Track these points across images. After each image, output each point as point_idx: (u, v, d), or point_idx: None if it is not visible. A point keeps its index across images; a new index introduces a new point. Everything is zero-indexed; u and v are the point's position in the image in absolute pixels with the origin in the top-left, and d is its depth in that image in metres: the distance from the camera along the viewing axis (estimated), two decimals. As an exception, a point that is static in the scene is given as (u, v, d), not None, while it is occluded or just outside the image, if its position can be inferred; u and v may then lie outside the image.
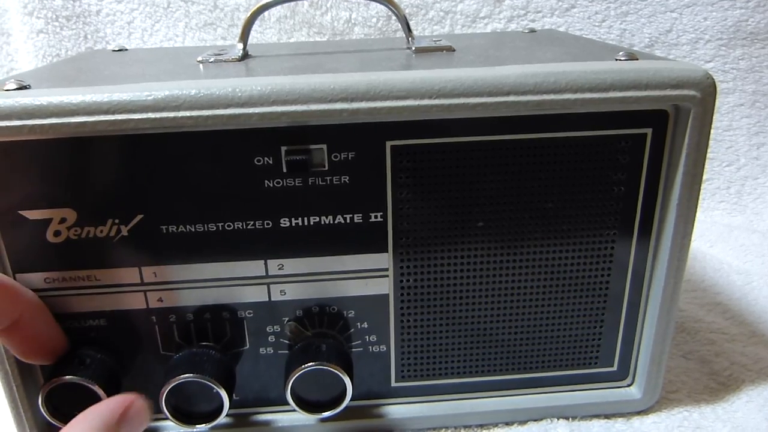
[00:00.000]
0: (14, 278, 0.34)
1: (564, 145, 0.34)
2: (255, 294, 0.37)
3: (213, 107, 0.31)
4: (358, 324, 0.38)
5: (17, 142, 0.32)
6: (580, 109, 0.33)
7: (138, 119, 0.31)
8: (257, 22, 0.70)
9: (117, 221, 0.34)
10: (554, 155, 0.35)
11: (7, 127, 0.30)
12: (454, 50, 0.43)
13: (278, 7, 0.72)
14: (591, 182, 0.35)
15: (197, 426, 0.36)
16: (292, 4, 0.72)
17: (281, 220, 0.35)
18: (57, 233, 0.34)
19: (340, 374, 0.35)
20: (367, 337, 0.38)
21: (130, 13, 0.72)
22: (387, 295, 0.37)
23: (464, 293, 0.38)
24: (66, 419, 0.34)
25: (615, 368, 0.41)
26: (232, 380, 0.37)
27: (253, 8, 0.42)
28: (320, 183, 0.34)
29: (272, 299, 0.37)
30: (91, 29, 0.73)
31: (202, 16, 0.73)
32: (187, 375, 0.34)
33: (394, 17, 0.72)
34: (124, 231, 0.34)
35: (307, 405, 0.36)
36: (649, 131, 0.35)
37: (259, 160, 0.33)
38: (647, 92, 0.33)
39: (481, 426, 0.41)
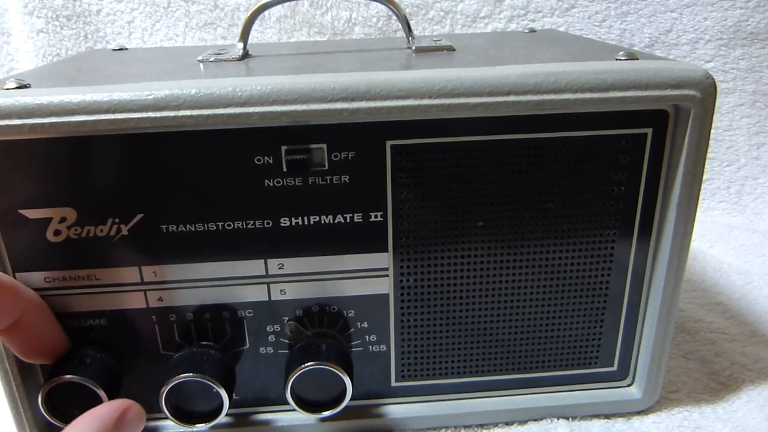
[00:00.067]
0: (14, 277, 0.34)
1: (564, 145, 0.34)
2: (255, 293, 0.37)
3: (213, 107, 0.31)
4: (358, 324, 0.38)
5: (17, 141, 0.32)
6: (580, 109, 0.33)
7: (138, 118, 0.31)
8: (257, 22, 0.70)
9: (117, 220, 0.34)
10: (554, 155, 0.35)
11: (7, 126, 0.30)
12: (454, 50, 0.43)
13: (278, 7, 0.72)
14: (591, 182, 0.35)
15: (197, 425, 0.36)
16: (293, 3, 0.72)
17: (281, 220, 0.35)
18: (57, 232, 0.34)
19: (339, 374, 0.35)
20: (367, 336, 0.38)
21: (130, 12, 0.72)
22: (387, 295, 0.37)
23: (464, 293, 0.38)
24: (66, 419, 0.34)
25: (615, 368, 0.41)
26: (232, 380, 0.37)
27: (253, 8, 0.42)
28: (320, 182, 0.34)
29: (272, 299, 0.37)
30: (92, 29, 0.73)
31: (202, 16, 0.73)
32: (187, 374, 0.34)
33: (394, 17, 0.72)
34: (125, 230, 0.34)
35: (307, 405, 0.36)
36: (649, 131, 0.35)
37: (259, 160, 0.33)
38: (647, 92, 0.33)
39: (481, 426, 0.41)
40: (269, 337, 0.38)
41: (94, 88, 0.31)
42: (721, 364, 0.46)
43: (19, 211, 0.33)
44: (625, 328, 0.40)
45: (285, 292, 0.37)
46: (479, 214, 0.36)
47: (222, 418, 0.36)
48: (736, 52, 0.73)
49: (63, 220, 0.34)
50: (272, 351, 0.38)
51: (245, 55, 0.43)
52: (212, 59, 0.42)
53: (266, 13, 0.72)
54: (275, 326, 0.38)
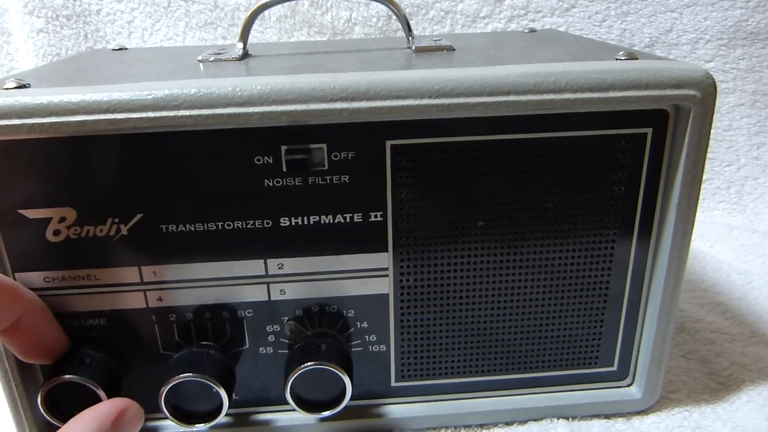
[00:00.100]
0: (14, 277, 0.34)
1: (564, 144, 0.34)
2: (255, 293, 0.37)
3: (213, 106, 0.31)
4: (358, 323, 0.38)
5: (17, 141, 0.32)
6: (580, 109, 0.33)
7: (138, 118, 0.31)
8: (257, 22, 0.70)
9: (117, 220, 0.34)
10: (554, 155, 0.35)
11: (6, 126, 0.30)
12: (454, 50, 0.43)
13: (278, 7, 0.72)
14: (591, 182, 0.35)
15: (197, 425, 0.36)
16: (293, 3, 0.72)
17: (281, 220, 0.35)
18: (57, 232, 0.34)
19: (339, 374, 0.35)
20: (366, 336, 0.38)
21: (130, 12, 0.72)
22: (387, 295, 0.37)
23: (464, 293, 0.38)
24: (65, 419, 0.34)
25: (615, 368, 0.41)
26: (232, 380, 0.37)
27: (253, 8, 0.42)
28: (320, 182, 0.34)
29: (272, 299, 0.37)
30: (92, 28, 0.73)
31: (202, 16, 0.73)
32: (186, 374, 0.34)
33: (394, 17, 0.72)
34: (124, 230, 0.34)
35: (306, 404, 0.36)
36: (649, 131, 0.35)
37: (259, 160, 0.33)
38: (647, 92, 0.33)
39: (481, 426, 0.41)
40: (269, 337, 0.38)
41: (93, 88, 0.31)
42: (721, 364, 0.46)
43: (19, 211, 0.33)
44: (625, 328, 0.40)
45: (285, 292, 0.37)
46: (479, 214, 0.36)
47: (222, 418, 0.36)
48: (736, 52, 0.73)
49: (63, 220, 0.34)
50: (272, 351, 0.38)
51: (245, 55, 0.43)
52: (212, 59, 0.42)
53: (266, 12, 0.72)
54: (275, 326, 0.38)
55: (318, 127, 0.33)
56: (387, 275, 0.37)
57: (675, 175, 0.35)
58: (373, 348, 0.39)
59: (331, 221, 0.35)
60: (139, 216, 0.34)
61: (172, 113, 0.31)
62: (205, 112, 0.31)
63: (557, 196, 0.36)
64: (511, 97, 0.32)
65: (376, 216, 0.35)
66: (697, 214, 0.36)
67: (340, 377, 0.35)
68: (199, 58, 0.42)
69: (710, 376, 0.45)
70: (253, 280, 0.36)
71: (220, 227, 0.35)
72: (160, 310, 0.36)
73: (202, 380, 0.34)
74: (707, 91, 0.33)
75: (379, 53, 0.44)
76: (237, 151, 0.33)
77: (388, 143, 0.34)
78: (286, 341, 0.38)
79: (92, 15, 0.72)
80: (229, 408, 0.35)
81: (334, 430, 0.40)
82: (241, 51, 0.42)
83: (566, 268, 0.38)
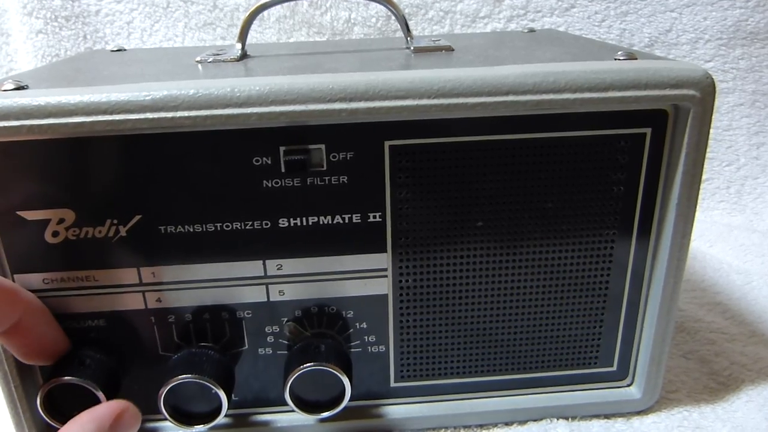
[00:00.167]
0: (13, 279, 0.34)
1: (563, 144, 0.34)
2: (254, 294, 0.37)
3: (211, 107, 0.31)
4: (357, 324, 0.38)
5: (15, 142, 0.32)
6: (579, 109, 0.33)
7: (136, 119, 0.31)
8: (256, 22, 0.70)
9: (115, 222, 0.34)
10: (554, 155, 0.35)
11: (5, 127, 0.30)
12: (453, 50, 0.43)
13: (277, 7, 0.72)
14: (591, 182, 0.35)
15: (196, 427, 0.36)
16: (292, 3, 0.72)
17: (280, 220, 0.35)
18: (55, 234, 0.34)
19: (339, 374, 0.35)
20: (366, 337, 0.38)
21: (129, 13, 0.72)
22: (386, 295, 0.37)
23: (463, 293, 0.38)
24: (65, 420, 0.34)
25: (615, 368, 0.41)
26: (231, 381, 0.37)
27: (252, 8, 0.42)
28: (319, 183, 0.34)
29: (271, 299, 0.37)
30: (90, 29, 0.73)
31: (201, 16, 0.73)
32: (185, 375, 0.34)
33: (393, 17, 0.72)
34: (123, 231, 0.34)
35: (306, 405, 0.36)
36: (648, 131, 0.35)
37: (257, 160, 0.33)
38: (647, 92, 0.32)
39: (481, 426, 0.41)
40: (268, 338, 0.38)
41: (92, 89, 0.31)
42: (720, 364, 0.46)
43: (18, 212, 0.33)
44: (624, 328, 0.40)
45: (284, 293, 0.37)
46: (478, 214, 0.36)
47: (221, 419, 0.36)
48: (735, 52, 0.73)
49: (61, 221, 0.33)
50: (271, 352, 0.38)
51: (244, 56, 0.43)
52: (210, 60, 0.42)
53: (265, 13, 0.72)
54: (274, 327, 0.38)
55: (317, 128, 0.33)
56: (386, 276, 0.37)
57: (674, 175, 0.35)
58: (373, 348, 0.39)
59: (330, 222, 0.35)
60: (137, 217, 0.34)
61: (170, 114, 0.31)
62: (204, 113, 0.31)
63: (557, 196, 0.36)
64: (511, 98, 0.32)
65: (375, 216, 0.35)
66: (697, 214, 0.36)
67: (340, 378, 0.35)
68: (198, 58, 0.42)
69: (710, 376, 0.45)
70: (252, 281, 0.36)
71: (218, 228, 0.35)
72: (159, 311, 0.36)
73: (201, 381, 0.34)
74: (706, 90, 0.33)
75: (378, 53, 0.44)
76: (236, 152, 0.33)
77: (387, 144, 0.34)
78: (286, 342, 0.38)
79: (91, 16, 0.72)
80: (228, 409, 0.35)
81: (334, 431, 0.40)
82: (240, 51, 0.42)
83: (566, 268, 0.37)
